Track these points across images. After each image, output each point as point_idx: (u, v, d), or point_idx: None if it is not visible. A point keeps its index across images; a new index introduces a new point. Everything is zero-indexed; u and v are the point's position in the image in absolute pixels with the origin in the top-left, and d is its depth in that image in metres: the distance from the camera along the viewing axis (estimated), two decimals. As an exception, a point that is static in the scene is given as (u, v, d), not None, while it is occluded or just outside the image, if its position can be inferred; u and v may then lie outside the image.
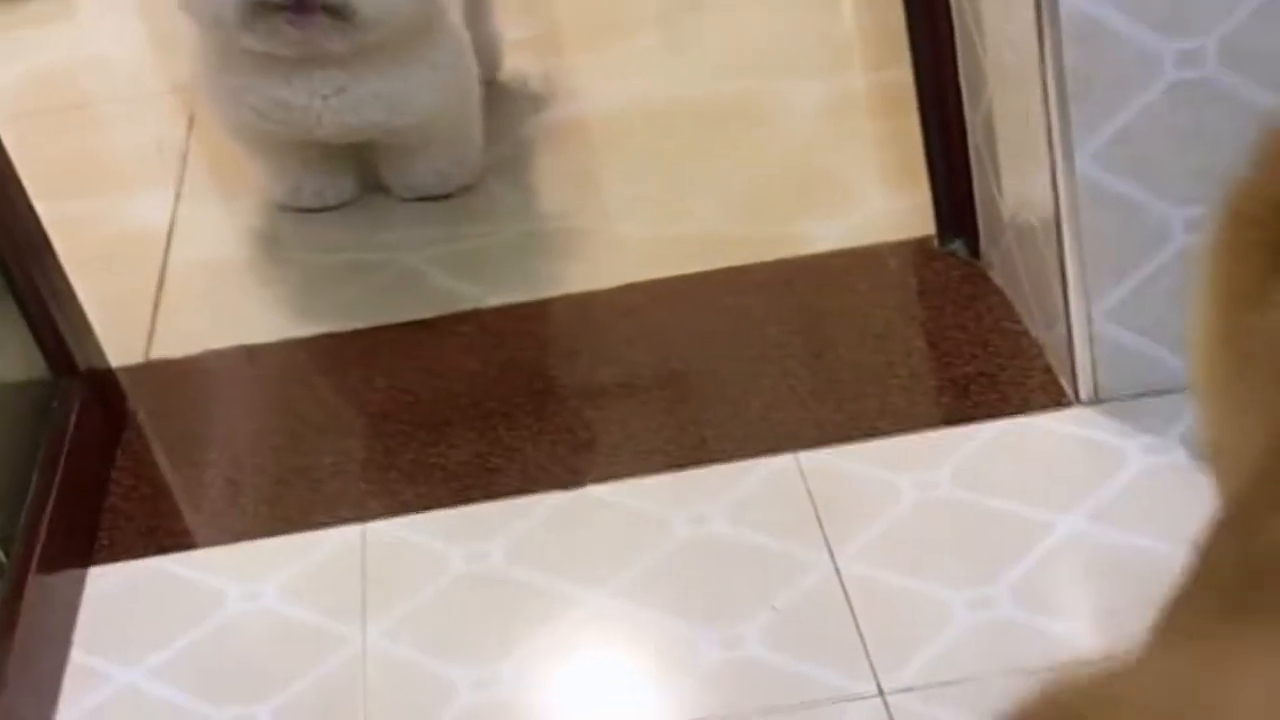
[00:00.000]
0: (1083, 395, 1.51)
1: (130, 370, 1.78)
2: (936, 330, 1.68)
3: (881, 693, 1.26)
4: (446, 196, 2.03)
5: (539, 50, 2.39)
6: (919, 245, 1.79)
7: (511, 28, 2.35)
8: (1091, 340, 1.48)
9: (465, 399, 1.67)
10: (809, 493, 1.46)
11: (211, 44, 1.92)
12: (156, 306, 1.91)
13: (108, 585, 1.50)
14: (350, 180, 2.05)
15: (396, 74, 1.90)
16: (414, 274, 1.91)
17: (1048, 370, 1.57)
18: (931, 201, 1.78)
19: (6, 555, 1.42)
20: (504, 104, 2.22)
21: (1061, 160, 1.39)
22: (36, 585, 1.41)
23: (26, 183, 1.66)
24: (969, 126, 1.69)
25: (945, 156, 1.73)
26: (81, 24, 2.75)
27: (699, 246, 1.87)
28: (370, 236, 2.00)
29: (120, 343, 1.78)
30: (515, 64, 2.32)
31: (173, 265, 1.99)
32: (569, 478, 1.53)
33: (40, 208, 1.67)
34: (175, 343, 1.84)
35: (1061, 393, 1.53)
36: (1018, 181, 1.57)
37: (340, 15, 1.80)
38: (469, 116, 2.03)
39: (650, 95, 2.22)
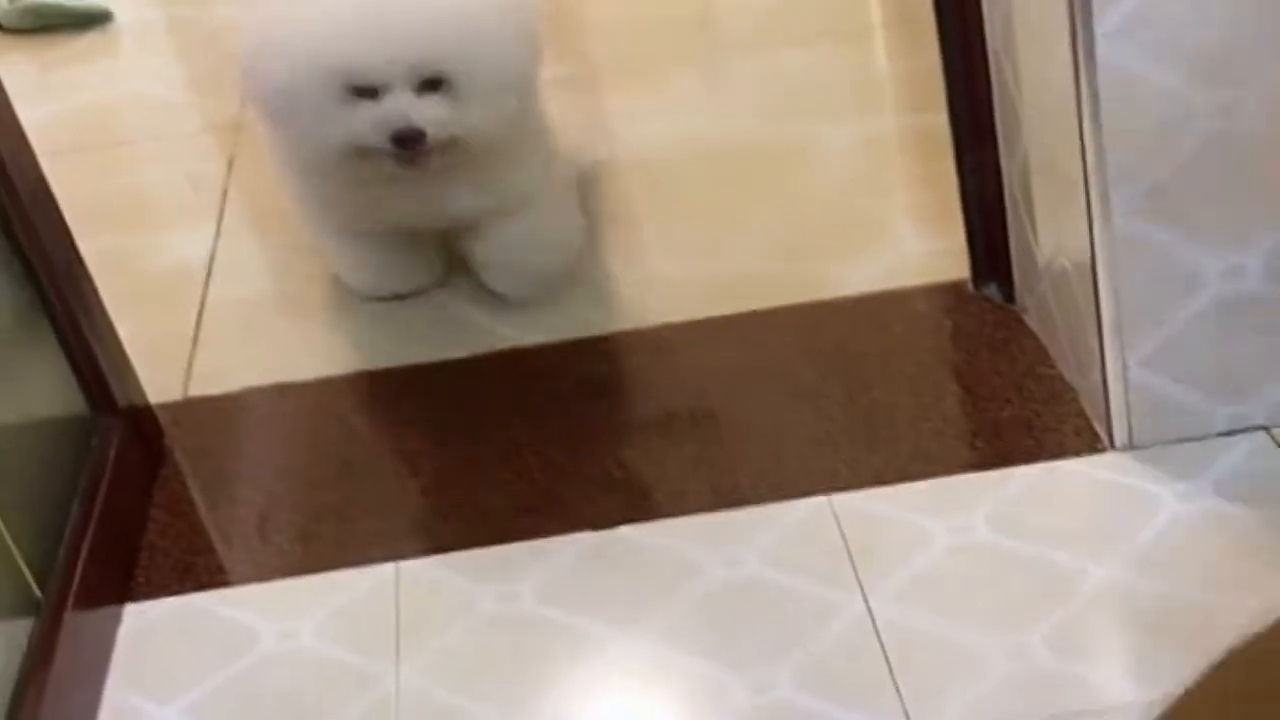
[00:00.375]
0: (1117, 441, 1.51)
1: (168, 407, 1.79)
2: (970, 374, 1.68)
3: (914, 739, 1.25)
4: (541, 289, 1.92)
5: (575, 91, 2.41)
6: (953, 289, 1.80)
7: (547, 68, 2.36)
8: (1126, 386, 1.48)
9: (500, 438, 1.68)
10: (842, 535, 1.46)
11: (302, 158, 1.82)
12: (195, 343, 1.93)
13: (144, 621, 1.51)
14: (429, 270, 1.96)
15: (498, 174, 1.81)
16: (451, 312, 1.93)
17: (1082, 415, 1.57)
18: (966, 245, 1.78)
19: (43, 590, 1.43)
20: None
21: (1098, 208, 1.40)
22: (72, 621, 1.42)
23: (68, 219, 1.69)
24: (1004, 172, 1.69)
25: (980, 201, 1.74)
26: (124, 62, 2.78)
27: (734, 287, 1.88)
28: (407, 275, 2.02)
29: (159, 379, 1.80)
30: (551, 105, 2.33)
31: (211, 302, 2.00)
32: (602, 518, 1.54)
33: (82, 244, 1.69)
34: (213, 379, 1.85)
35: (1096, 438, 1.53)
36: (1053, 228, 1.57)
37: (444, 144, 1.71)
38: (563, 199, 1.95)
39: (686, 137, 2.23)
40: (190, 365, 1.88)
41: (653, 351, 1.80)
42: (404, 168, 1.70)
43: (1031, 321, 1.72)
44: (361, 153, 1.70)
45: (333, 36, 1.66)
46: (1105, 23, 1.30)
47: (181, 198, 2.30)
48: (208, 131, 2.47)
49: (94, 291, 1.72)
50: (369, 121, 1.67)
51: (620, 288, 1.94)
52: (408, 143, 1.67)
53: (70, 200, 1.70)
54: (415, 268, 1.95)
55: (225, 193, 2.26)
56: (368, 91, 1.66)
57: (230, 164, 2.34)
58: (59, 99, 2.60)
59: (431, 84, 1.67)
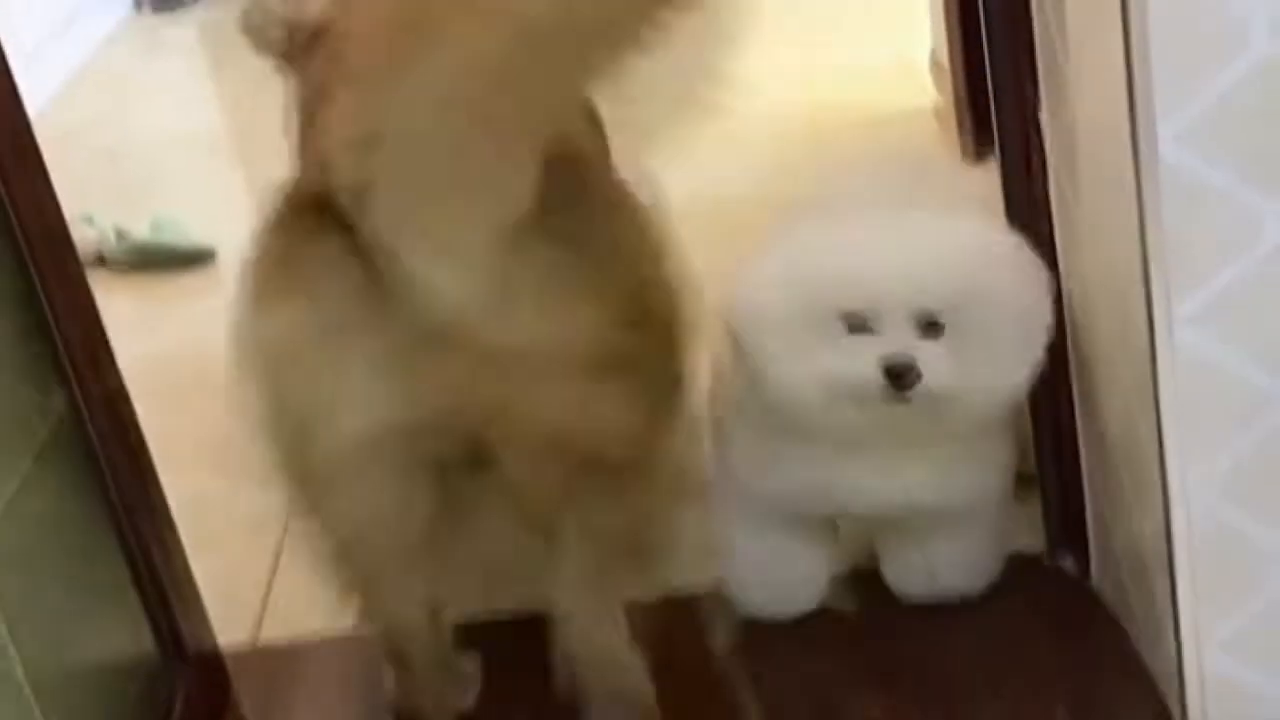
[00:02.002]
0: (1195, 727, 1.47)
1: (237, 655, 1.80)
2: (1044, 648, 1.65)
3: None
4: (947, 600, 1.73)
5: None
6: (1028, 560, 1.77)
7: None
8: (1202, 671, 1.44)
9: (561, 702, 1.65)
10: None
11: (759, 401, 1.60)
12: (269, 589, 1.94)
13: None
14: (814, 589, 1.75)
15: (947, 455, 1.60)
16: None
17: (1158, 697, 1.53)
18: (1043, 515, 1.77)
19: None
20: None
21: (1177, 493, 1.38)
22: None
23: (157, 459, 1.72)
24: (1081, 443, 1.69)
25: (1058, 471, 1.73)
26: (225, 301, 2.85)
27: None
28: (475, 525, 2.02)
29: (231, 622, 1.81)
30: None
31: (289, 548, 2.02)
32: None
33: (166, 484, 1.72)
34: (285, 624, 1.86)
35: (1172, 721, 1.49)
36: (1130, 507, 1.55)
37: (939, 401, 1.52)
38: (997, 509, 1.71)
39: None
40: (264, 610, 1.89)
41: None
42: (892, 403, 1.50)
43: (1107, 597, 1.69)
44: (841, 394, 1.52)
45: (835, 265, 1.54)
46: (1183, 310, 1.31)
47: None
48: (299, 372, 2.51)
49: (175, 535, 1.75)
50: (862, 354, 1.50)
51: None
52: (902, 376, 1.48)
53: (161, 440, 1.74)
54: (811, 581, 1.75)
55: (311, 435, 2.29)
56: (862, 327, 1.51)
57: (318, 405, 2.38)
58: (158, 337, 2.67)
59: (933, 328, 1.51)
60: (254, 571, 1.97)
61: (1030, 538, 1.78)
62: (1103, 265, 1.49)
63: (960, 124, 2.80)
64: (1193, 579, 1.41)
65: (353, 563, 1.53)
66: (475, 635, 1.79)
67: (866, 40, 3.53)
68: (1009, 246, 1.56)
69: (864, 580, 1.76)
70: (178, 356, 2.61)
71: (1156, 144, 1.25)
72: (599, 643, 1.57)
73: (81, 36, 4.32)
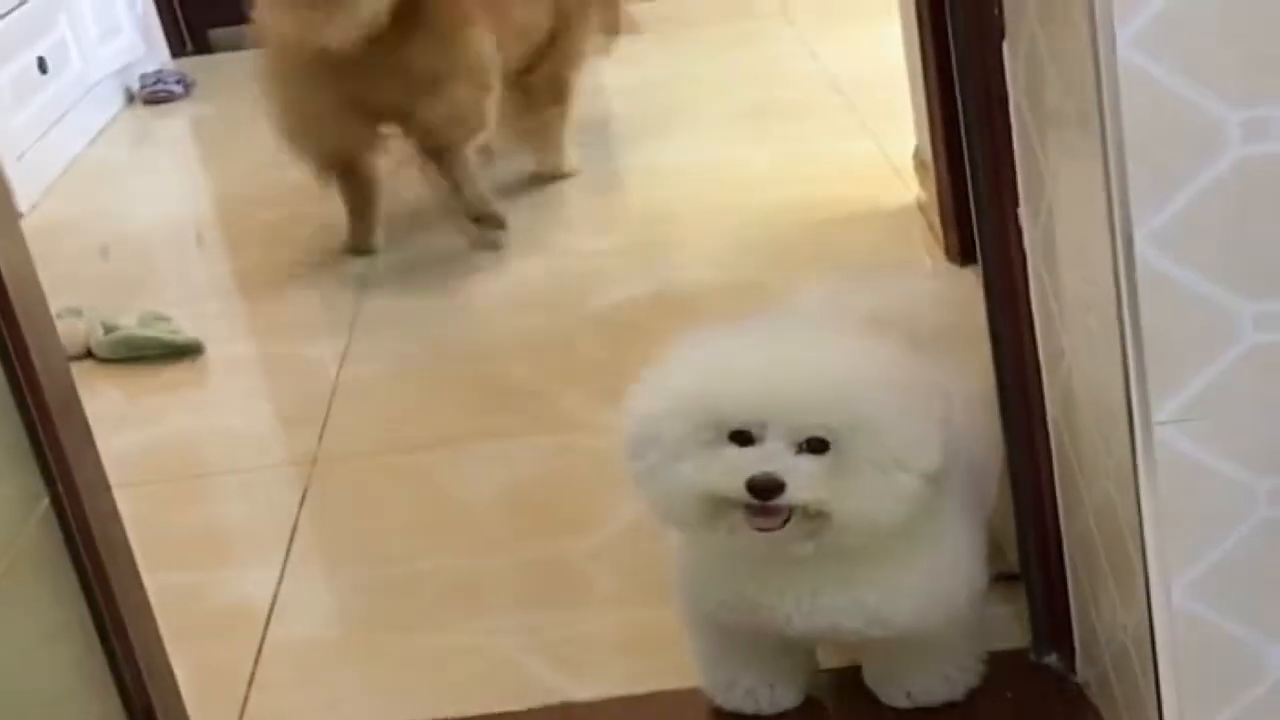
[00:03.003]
0: (1181, 827, 1.46)
1: (218, 753, 1.79)
2: (1030, 748, 1.64)
3: None
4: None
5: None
6: (1013, 656, 1.77)
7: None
8: (1189, 772, 1.43)
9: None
10: None
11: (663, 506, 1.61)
12: (251, 683, 1.93)
13: None
14: (795, 688, 1.74)
15: (878, 580, 1.58)
16: (508, 661, 1.92)
17: (1145, 799, 1.52)
18: (1029, 612, 1.76)
19: None
20: (599, 492, 2.26)
21: (1159, 591, 1.38)
22: None
23: (138, 551, 1.71)
24: (1065, 540, 1.69)
25: (1042, 570, 1.73)
26: (211, 393, 2.87)
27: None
28: (468, 621, 2.02)
29: (209, 717, 1.80)
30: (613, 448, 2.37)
31: (270, 642, 2.01)
32: None
33: (147, 577, 1.72)
34: (265, 721, 1.85)
35: (1159, 823, 1.48)
36: (1114, 604, 1.55)
37: (811, 517, 1.52)
38: (959, 627, 1.68)
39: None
40: (244, 709, 1.88)
41: (708, 714, 1.77)
42: (764, 534, 1.50)
43: (1093, 695, 1.68)
44: (715, 505, 1.53)
45: (718, 378, 1.53)
46: (1163, 411, 1.32)
47: (251, 532, 2.34)
48: (285, 465, 2.52)
49: (154, 628, 1.73)
50: (734, 467, 1.50)
51: (680, 643, 1.92)
52: (761, 492, 1.48)
53: (142, 532, 1.74)
54: (776, 683, 1.74)
55: (295, 528, 2.30)
56: (746, 441, 1.51)
57: (303, 498, 2.38)
58: (143, 429, 2.67)
59: (815, 447, 1.50)
60: (235, 666, 1.96)
61: (1015, 633, 1.78)
62: (1083, 365, 1.50)
63: (944, 221, 2.83)
64: (1176, 676, 1.41)
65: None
66: None
67: (852, 136, 3.57)
68: (903, 373, 1.55)
69: (850, 676, 1.76)
70: (163, 448, 2.61)
71: (1133, 246, 1.26)
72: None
73: (75, 128, 4.36)
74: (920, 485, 1.52)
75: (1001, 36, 1.53)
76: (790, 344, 1.56)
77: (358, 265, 3.27)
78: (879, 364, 1.54)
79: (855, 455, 1.50)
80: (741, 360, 1.55)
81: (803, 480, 1.49)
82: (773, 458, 1.49)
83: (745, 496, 1.49)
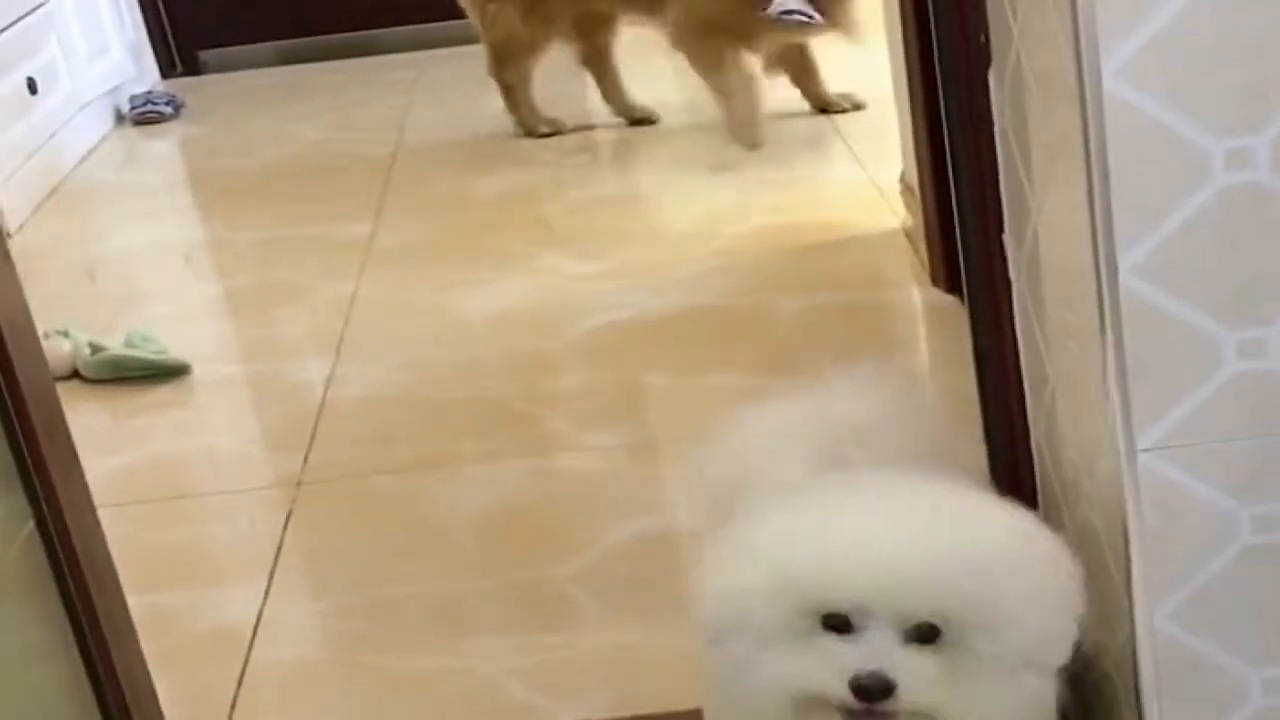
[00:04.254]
0: None
1: (200, 777, 1.79)
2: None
3: None
4: None
5: (629, 458, 2.44)
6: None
7: (605, 435, 2.43)
8: (1172, 799, 1.44)
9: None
10: None
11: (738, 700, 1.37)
12: (233, 707, 1.92)
13: None
14: None
15: None
16: (491, 684, 1.92)
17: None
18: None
19: None
20: (584, 515, 2.26)
21: (1140, 617, 1.39)
22: None
23: (121, 572, 1.71)
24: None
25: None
26: (197, 414, 2.86)
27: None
28: (452, 643, 2.02)
29: (193, 742, 1.80)
30: (605, 469, 2.38)
31: (254, 664, 2.01)
32: None
33: (131, 599, 1.72)
34: (248, 745, 1.84)
35: None
36: (1094, 629, 1.55)
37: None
38: None
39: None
40: (226, 729, 1.88)
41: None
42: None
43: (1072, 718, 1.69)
44: (809, 704, 1.29)
45: (816, 552, 1.30)
46: (1146, 438, 1.32)
47: (236, 554, 2.34)
48: (270, 486, 2.52)
49: (138, 651, 1.73)
50: (833, 661, 1.27)
51: (663, 666, 1.92)
52: (869, 695, 1.26)
53: (126, 553, 1.74)
54: None
55: (280, 549, 2.29)
56: (844, 627, 1.29)
57: (288, 519, 2.38)
58: (128, 450, 2.67)
59: (925, 635, 1.28)
60: (218, 688, 1.95)
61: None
62: (1067, 391, 1.51)
63: (930, 246, 2.84)
64: (1159, 702, 1.41)
65: None
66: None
67: (839, 161, 3.59)
68: (1029, 546, 1.34)
69: None
70: (149, 469, 2.61)
71: (1118, 274, 1.27)
72: None
73: (64, 149, 4.36)
74: (1048, 685, 1.33)
75: (988, 64, 1.54)
76: (898, 508, 1.33)
77: (345, 286, 3.27)
78: (1002, 534, 1.33)
79: (974, 649, 1.28)
80: (843, 531, 1.31)
81: (916, 680, 1.27)
82: (879, 652, 1.27)
83: (849, 699, 1.27)
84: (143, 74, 5.05)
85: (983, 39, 1.53)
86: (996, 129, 1.56)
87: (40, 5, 4.34)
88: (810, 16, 3.50)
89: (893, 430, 1.52)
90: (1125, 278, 1.27)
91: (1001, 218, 1.59)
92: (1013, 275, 1.60)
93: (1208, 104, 1.23)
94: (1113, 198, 1.25)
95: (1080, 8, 1.23)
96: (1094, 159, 1.27)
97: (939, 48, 1.57)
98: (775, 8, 3.52)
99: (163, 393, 2.89)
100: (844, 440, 1.49)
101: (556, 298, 3.08)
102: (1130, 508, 1.35)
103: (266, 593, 2.18)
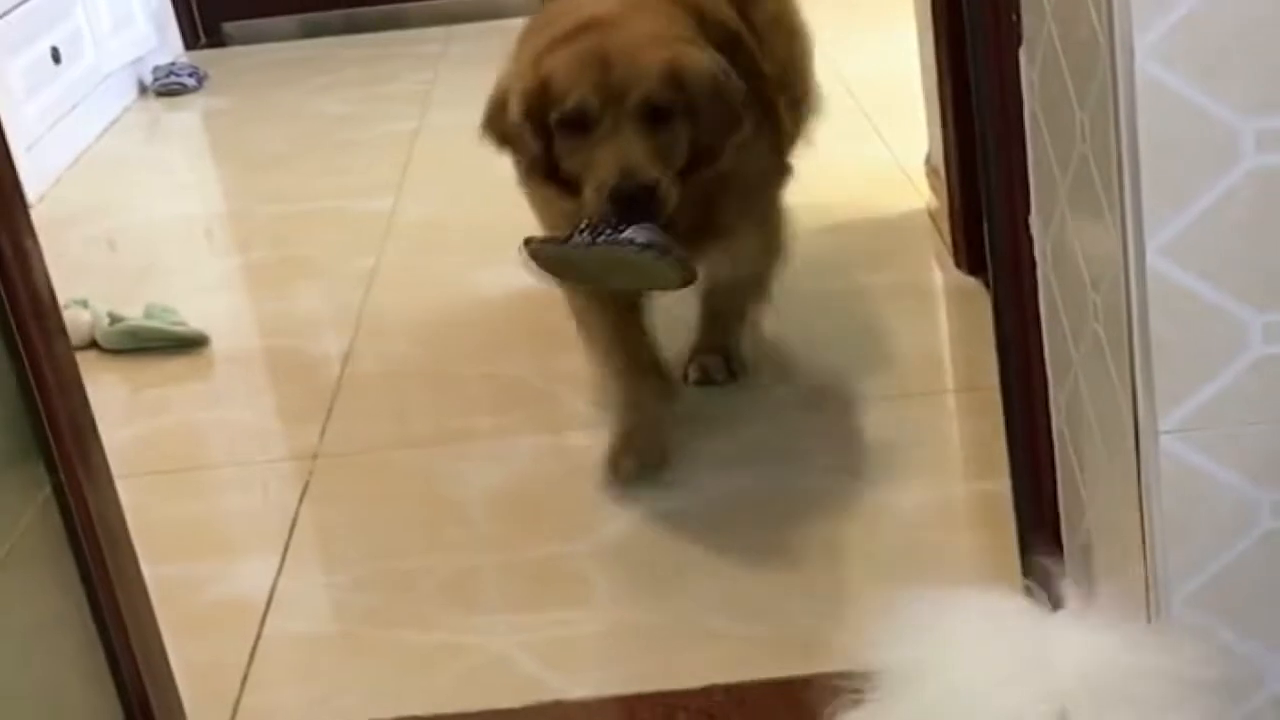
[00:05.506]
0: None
1: (211, 744, 1.78)
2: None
3: None
4: None
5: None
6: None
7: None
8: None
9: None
10: None
11: None
12: (245, 678, 1.92)
13: None
14: None
15: None
16: (503, 659, 1.91)
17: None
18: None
19: None
20: (598, 494, 2.25)
21: (1159, 602, 1.37)
22: None
23: (137, 542, 1.71)
24: (1065, 549, 1.68)
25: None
26: (215, 385, 2.86)
27: (787, 648, 1.86)
28: (465, 618, 2.01)
29: (205, 713, 1.79)
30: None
31: (267, 637, 2.01)
32: None
33: (146, 569, 1.71)
34: (259, 718, 1.84)
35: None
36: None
37: None
38: None
39: (748, 490, 2.24)
40: (238, 702, 1.87)
41: (701, 714, 1.77)
42: None
43: None
44: None
45: None
46: (1169, 420, 1.31)
47: (251, 526, 2.34)
48: (286, 459, 2.52)
49: (154, 622, 1.73)
50: None
51: (671, 642, 1.92)
52: None
53: (142, 523, 1.73)
54: None
55: (294, 522, 2.29)
56: None
57: (303, 493, 2.37)
58: (145, 421, 2.67)
59: None
60: (230, 660, 1.95)
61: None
62: (1091, 373, 1.49)
63: (954, 228, 2.82)
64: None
65: None
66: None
67: (865, 140, 3.57)
68: None
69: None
70: (166, 440, 2.61)
71: (1145, 256, 1.25)
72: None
73: (86, 119, 4.36)
74: None
75: (1019, 43, 1.52)
76: None
77: (365, 261, 3.26)
78: None
79: None
80: None
81: None
82: None
83: None
84: (166, 45, 5.05)
85: (1014, 17, 1.52)
86: (1026, 109, 1.54)
87: (66, -25, 4.35)
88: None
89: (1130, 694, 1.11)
90: (1153, 260, 1.25)
91: (1029, 201, 1.57)
92: (1038, 258, 1.59)
93: (1239, 85, 1.21)
94: (1142, 178, 1.24)
95: (1113, -14, 1.21)
96: (1124, 139, 1.25)
97: (970, 25, 1.55)
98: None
99: (180, 364, 2.89)
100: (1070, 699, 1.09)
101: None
102: (1149, 491, 1.34)
103: (281, 565, 2.17)
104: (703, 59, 2.21)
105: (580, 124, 2.16)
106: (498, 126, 2.28)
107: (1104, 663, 1.07)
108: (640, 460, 2.30)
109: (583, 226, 2.14)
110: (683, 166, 2.19)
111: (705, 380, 2.54)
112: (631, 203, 2.12)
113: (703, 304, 2.57)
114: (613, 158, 2.13)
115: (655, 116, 2.15)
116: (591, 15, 2.24)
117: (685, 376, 2.55)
